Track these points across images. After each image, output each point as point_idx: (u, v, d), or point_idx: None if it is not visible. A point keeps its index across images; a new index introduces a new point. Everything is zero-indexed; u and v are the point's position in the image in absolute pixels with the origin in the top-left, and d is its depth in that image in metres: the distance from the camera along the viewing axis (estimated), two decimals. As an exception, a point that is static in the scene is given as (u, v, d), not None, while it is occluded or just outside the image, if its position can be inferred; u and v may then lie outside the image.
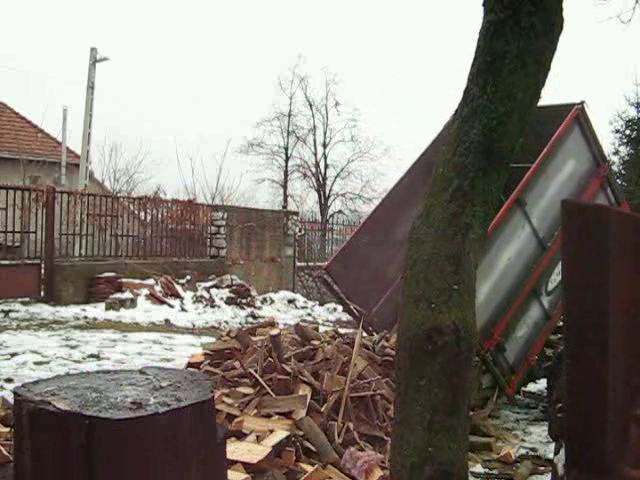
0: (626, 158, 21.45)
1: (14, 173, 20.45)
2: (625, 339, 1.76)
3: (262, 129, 31.77)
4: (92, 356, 8.55)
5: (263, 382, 5.15)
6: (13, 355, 8.21)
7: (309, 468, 4.37)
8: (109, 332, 10.54)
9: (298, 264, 19.21)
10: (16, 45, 49.69)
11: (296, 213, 20.73)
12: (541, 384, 8.39)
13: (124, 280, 13.41)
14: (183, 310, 13.40)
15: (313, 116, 31.89)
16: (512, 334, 7.34)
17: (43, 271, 12.97)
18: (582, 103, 7.87)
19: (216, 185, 29.91)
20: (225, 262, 16.61)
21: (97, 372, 2.81)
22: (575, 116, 7.80)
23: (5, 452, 3.72)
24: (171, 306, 13.31)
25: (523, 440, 6.54)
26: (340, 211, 30.58)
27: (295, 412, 4.86)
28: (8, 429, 4.16)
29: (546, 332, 7.68)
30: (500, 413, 7.33)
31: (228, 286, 14.85)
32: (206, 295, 14.28)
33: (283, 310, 15.62)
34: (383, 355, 6.30)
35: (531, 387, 8.51)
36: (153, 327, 11.84)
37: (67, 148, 24.40)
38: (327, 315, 15.98)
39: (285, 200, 30.23)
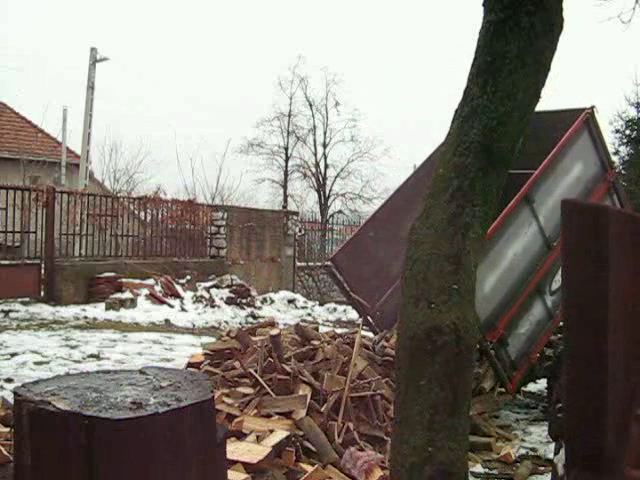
0: (626, 158, 21.46)
1: (14, 173, 20.45)
2: (625, 339, 1.76)
3: (262, 129, 31.79)
4: (92, 356, 8.55)
5: (263, 382, 5.15)
6: (13, 355, 8.21)
7: (309, 468, 4.37)
8: (109, 332, 10.54)
9: (298, 264, 19.21)
10: (16, 45, 49.70)
11: (296, 213, 20.73)
12: (541, 384, 8.40)
13: (124, 280, 13.41)
14: (183, 310, 13.39)
15: (313, 116, 31.91)
16: (515, 330, 7.38)
17: (43, 271, 12.96)
18: (592, 108, 7.99)
19: (216, 185, 29.91)
20: (225, 262, 16.60)
21: (97, 372, 2.81)
22: (585, 120, 7.91)
23: (5, 452, 3.72)
24: (171, 306, 13.31)
25: (523, 440, 6.54)
26: (340, 211, 30.57)
27: (295, 412, 4.86)
28: (8, 429, 4.16)
29: (548, 331, 7.71)
30: (500, 413, 7.33)
31: (228, 286, 14.84)
32: (206, 295, 14.27)
33: (283, 310, 15.61)
34: (383, 355, 6.30)
35: (531, 387, 8.51)
36: (153, 327, 11.83)
37: (67, 148, 24.39)
38: (327, 315, 15.98)
39: (285, 200, 30.23)
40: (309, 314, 15.69)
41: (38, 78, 45.47)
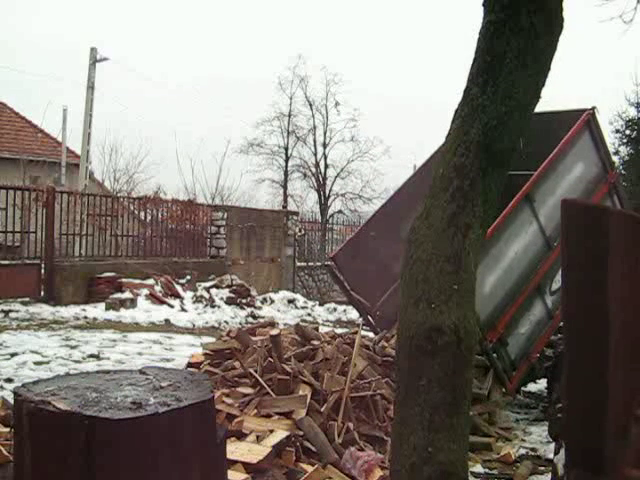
0: (626, 158, 21.46)
1: (14, 173, 20.43)
2: (625, 339, 1.76)
3: (262, 129, 31.75)
4: (92, 356, 8.55)
5: (263, 382, 5.15)
6: (13, 355, 8.20)
7: (309, 468, 4.36)
8: (109, 332, 10.53)
9: (298, 264, 19.20)
10: (16, 45, 49.71)
11: (296, 213, 20.72)
12: (541, 384, 8.40)
13: (124, 280, 13.40)
14: (183, 310, 13.38)
15: (313, 116, 31.87)
16: (515, 330, 7.37)
17: (43, 271, 12.95)
18: (593, 109, 8.01)
19: (216, 185, 29.88)
20: (225, 262, 16.60)
21: (97, 372, 2.81)
22: (586, 120, 7.93)
23: (5, 452, 3.71)
24: (171, 306, 13.30)
25: (523, 440, 6.53)
26: (340, 211, 30.55)
27: (295, 412, 4.86)
28: (8, 429, 4.16)
29: (548, 331, 7.71)
30: (500, 413, 7.33)
31: (228, 286, 14.83)
32: (206, 295, 14.26)
33: (283, 310, 15.60)
34: (383, 355, 6.30)
35: (531, 387, 8.51)
36: (153, 327, 11.83)
37: (67, 148, 24.40)
38: (327, 315, 15.97)
39: (285, 200, 30.21)
40: (309, 314, 15.68)
41: (38, 78, 45.49)
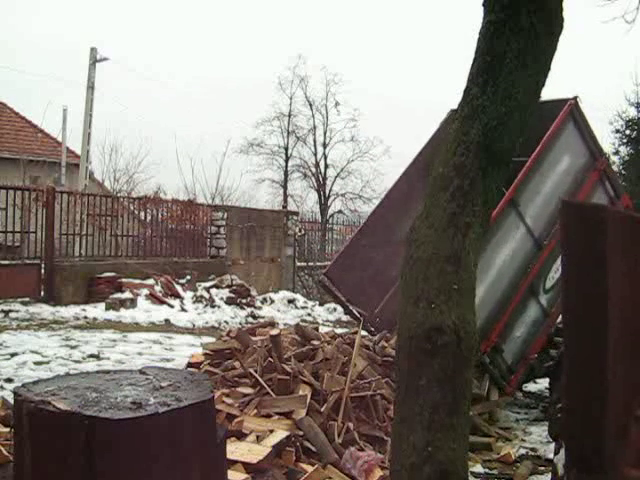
0: (626, 158, 21.44)
1: (14, 173, 20.43)
2: (624, 338, 1.76)
3: (262, 129, 31.79)
4: (92, 356, 8.54)
5: (263, 382, 5.15)
6: (13, 355, 8.20)
7: (309, 468, 4.36)
8: (109, 332, 10.53)
9: (298, 264, 19.20)
10: (16, 45, 49.71)
11: (296, 213, 20.71)
12: (541, 384, 8.39)
13: (124, 280, 13.39)
14: (183, 310, 13.38)
15: (313, 116, 31.90)
16: (510, 335, 7.32)
17: (43, 271, 12.95)
18: (575, 98, 7.78)
19: (216, 185, 29.91)
20: (225, 262, 16.60)
21: (97, 372, 2.81)
22: (569, 111, 7.71)
23: (5, 452, 3.72)
24: (171, 306, 13.30)
25: (523, 440, 6.53)
26: (340, 211, 30.55)
27: (295, 412, 4.86)
28: (8, 429, 4.16)
29: (545, 330, 7.67)
30: (500, 413, 7.33)
31: (228, 286, 14.83)
32: (206, 295, 14.26)
33: (283, 310, 15.60)
34: (383, 355, 6.30)
35: (531, 387, 8.51)
36: (153, 327, 11.83)
37: (67, 148, 24.39)
38: (327, 315, 15.97)
39: (285, 200, 30.21)
40: (309, 314, 15.68)
41: (38, 78, 45.49)
